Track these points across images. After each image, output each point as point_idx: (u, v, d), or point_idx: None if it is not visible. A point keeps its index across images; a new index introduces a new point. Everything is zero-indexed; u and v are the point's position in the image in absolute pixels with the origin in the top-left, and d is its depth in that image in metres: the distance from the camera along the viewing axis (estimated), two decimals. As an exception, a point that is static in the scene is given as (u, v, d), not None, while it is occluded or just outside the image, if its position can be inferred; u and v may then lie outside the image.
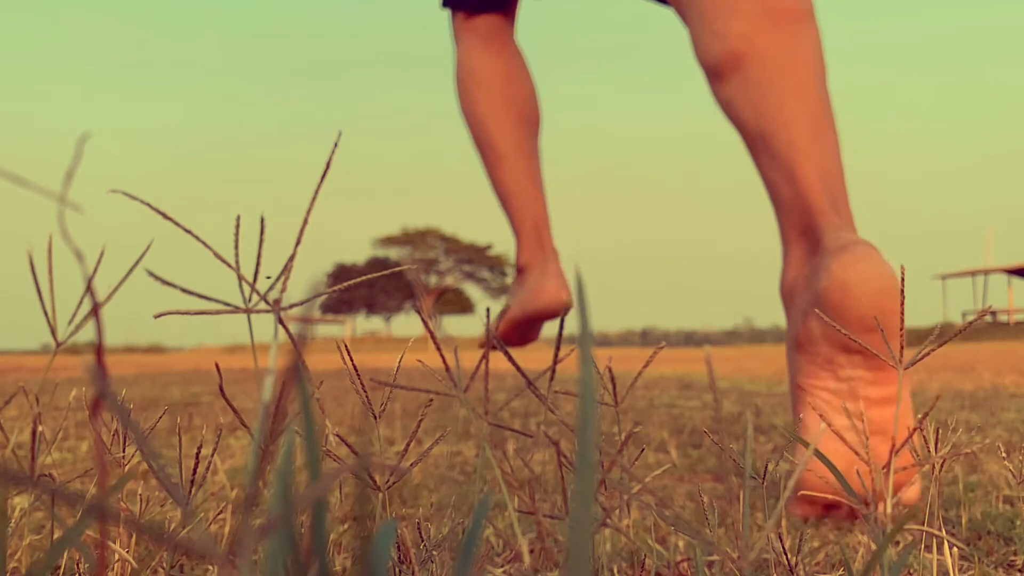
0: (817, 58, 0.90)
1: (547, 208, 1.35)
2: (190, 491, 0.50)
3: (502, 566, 0.66)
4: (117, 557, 0.56)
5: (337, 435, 0.49)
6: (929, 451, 0.56)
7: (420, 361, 0.41)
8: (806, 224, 0.89)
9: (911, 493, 0.90)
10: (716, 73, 0.95)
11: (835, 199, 0.87)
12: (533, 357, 10.38)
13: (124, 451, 0.57)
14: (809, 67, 0.89)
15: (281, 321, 0.36)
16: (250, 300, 0.37)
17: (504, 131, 1.31)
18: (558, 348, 0.43)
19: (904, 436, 0.79)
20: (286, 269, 0.37)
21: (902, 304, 0.56)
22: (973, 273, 27.79)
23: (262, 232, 0.37)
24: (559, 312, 1.16)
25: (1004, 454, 0.66)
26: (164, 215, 0.37)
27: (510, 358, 0.42)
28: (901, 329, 0.54)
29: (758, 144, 0.94)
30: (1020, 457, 0.68)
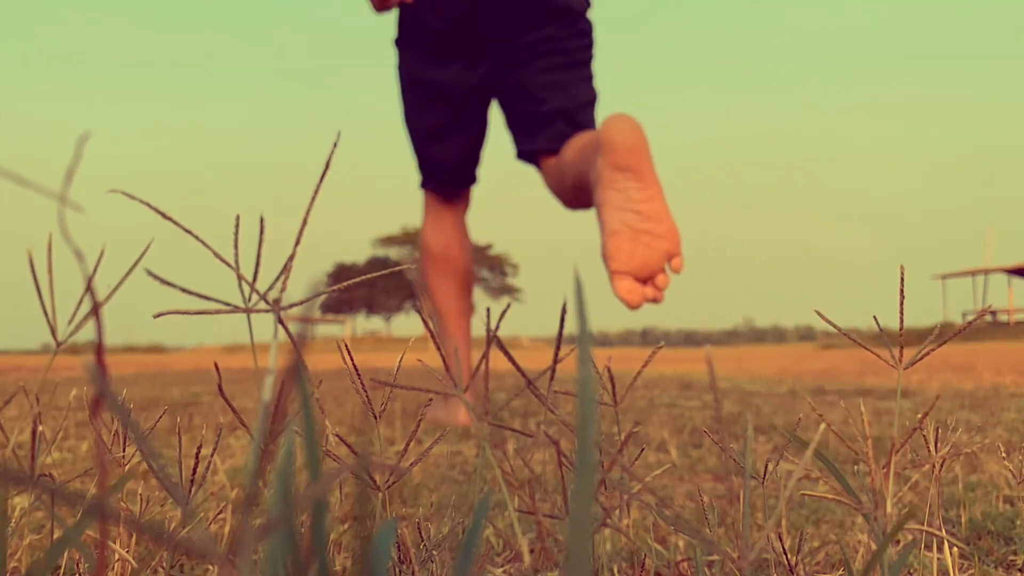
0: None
1: (471, 355, 2.04)
2: (190, 491, 0.50)
3: (502, 566, 0.66)
4: (117, 557, 0.56)
5: (337, 435, 0.49)
6: (929, 451, 0.56)
7: (420, 361, 0.41)
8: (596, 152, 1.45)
9: (676, 263, 1.43)
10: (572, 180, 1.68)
11: None
12: (533, 357, 10.38)
13: (124, 451, 0.57)
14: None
15: (281, 321, 0.36)
16: (250, 300, 0.37)
17: (448, 296, 1.97)
18: (558, 348, 0.43)
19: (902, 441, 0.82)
20: (286, 269, 0.37)
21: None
22: (973, 273, 27.77)
23: (261, 232, 0.37)
24: (463, 425, 1.84)
25: (1004, 454, 0.66)
26: (164, 215, 0.37)
27: (510, 358, 0.42)
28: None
29: (583, 178, 1.56)
30: (1020, 457, 0.68)
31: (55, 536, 0.54)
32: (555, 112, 1.79)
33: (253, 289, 0.37)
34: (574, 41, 1.83)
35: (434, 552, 0.48)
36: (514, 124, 1.90)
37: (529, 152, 1.86)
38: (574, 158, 1.61)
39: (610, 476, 0.43)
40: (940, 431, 0.57)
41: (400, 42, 1.94)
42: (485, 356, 0.42)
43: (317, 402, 0.41)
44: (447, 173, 1.99)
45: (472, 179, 2.03)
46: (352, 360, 0.46)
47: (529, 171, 1.92)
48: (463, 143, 1.96)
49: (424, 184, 2.01)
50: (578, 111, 1.80)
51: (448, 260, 1.96)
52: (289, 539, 0.20)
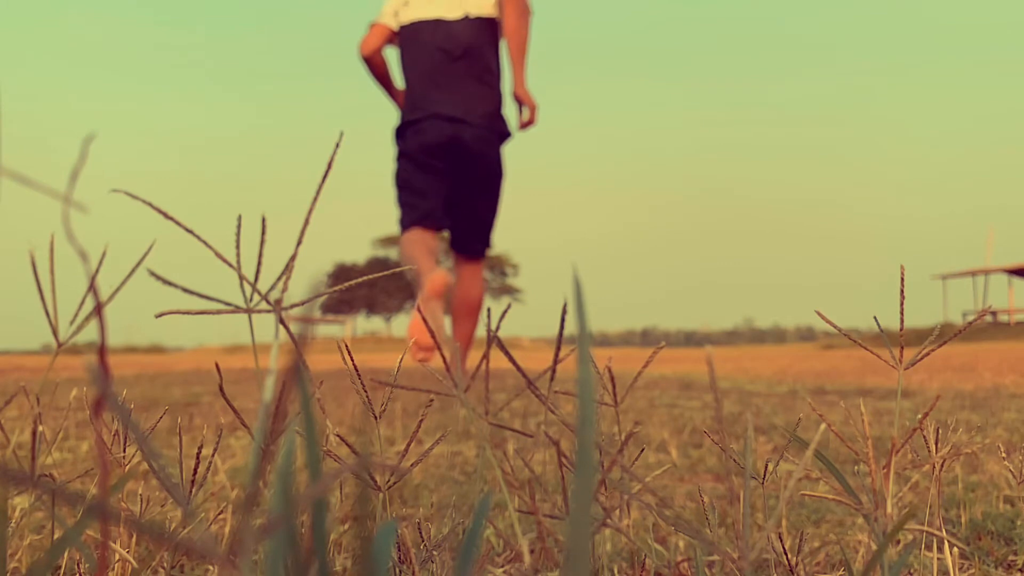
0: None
1: (435, 264, 3.04)
2: (190, 491, 0.50)
3: (502, 566, 0.66)
4: (118, 557, 0.56)
5: (337, 435, 0.49)
6: (929, 451, 0.56)
7: (420, 361, 0.42)
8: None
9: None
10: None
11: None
12: (533, 357, 10.38)
13: (124, 451, 0.57)
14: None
15: (282, 321, 0.36)
16: (251, 300, 0.37)
17: (423, 255, 2.97)
18: (558, 348, 0.43)
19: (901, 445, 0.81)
20: (287, 269, 0.37)
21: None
22: (973, 273, 27.75)
23: (263, 232, 0.37)
24: (442, 284, 2.84)
25: (1004, 454, 0.66)
26: (165, 215, 0.37)
27: (510, 358, 0.42)
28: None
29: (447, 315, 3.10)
30: (1020, 457, 0.68)
31: (55, 536, 0.54)
32: (479, 237, 3.25)
33: (255, 289, 0.37)
34: (495, 194, 3.20)
35: (434, 552, 0.48)
36: (455, 227, 3.24)
37: (460, 250, 3.27)
38: (450, 310, 3.06)
39: (610, 476, 0.43)
40: (940, 431, 0.57)
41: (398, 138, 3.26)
42: (485, 356, 0.42)
43: (317, 402, 0.41)
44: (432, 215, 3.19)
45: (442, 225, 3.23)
46: (352, 360, 0.46)
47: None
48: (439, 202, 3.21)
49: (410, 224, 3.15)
50: (487, 235, 3.28)
51: (427, 247, 3.04)
52: (289, 539, 0.20)
